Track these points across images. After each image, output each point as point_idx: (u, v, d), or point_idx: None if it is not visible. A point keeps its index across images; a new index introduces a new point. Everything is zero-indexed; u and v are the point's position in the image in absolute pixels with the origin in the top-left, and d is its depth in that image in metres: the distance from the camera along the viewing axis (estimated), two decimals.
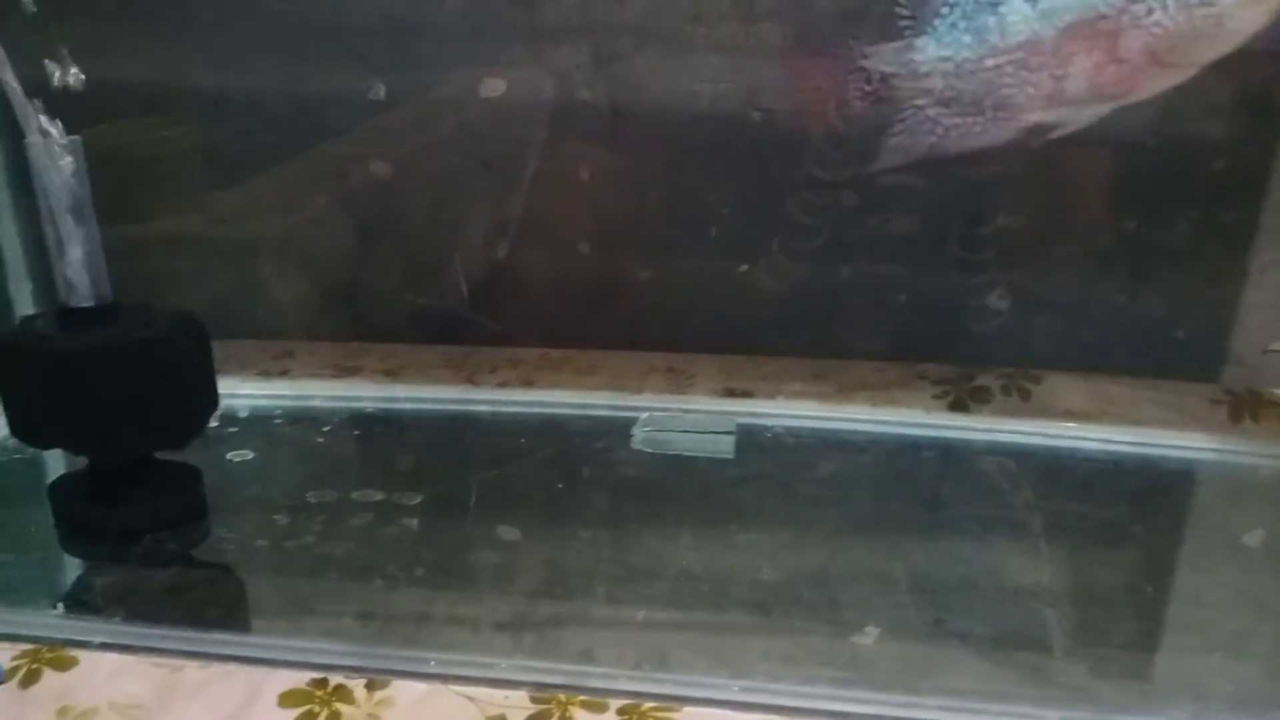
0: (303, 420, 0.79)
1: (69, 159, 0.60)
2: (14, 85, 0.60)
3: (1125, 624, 0.61)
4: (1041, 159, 0.80)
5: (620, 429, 0.78)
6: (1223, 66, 0.78)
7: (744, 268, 0.87)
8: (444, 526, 0.68)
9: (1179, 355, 0.86)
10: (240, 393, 0.81)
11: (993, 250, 0.84)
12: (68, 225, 0.60)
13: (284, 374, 0.84)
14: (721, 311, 0.89)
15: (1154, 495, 0.74)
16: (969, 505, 0.72)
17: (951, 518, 0.71)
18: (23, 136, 0.60)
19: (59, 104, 0.68)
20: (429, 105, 0.87)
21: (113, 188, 0.86)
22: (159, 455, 0.66)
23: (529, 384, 0.83)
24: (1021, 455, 0.76)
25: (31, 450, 0.69)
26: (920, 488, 0.74)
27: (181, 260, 0.90)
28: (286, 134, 0.87)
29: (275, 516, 0.67)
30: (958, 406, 0.80)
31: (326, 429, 0.78)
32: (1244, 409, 0.80)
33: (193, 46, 0.85)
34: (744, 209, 0.86)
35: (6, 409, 0.64)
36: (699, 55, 0.82)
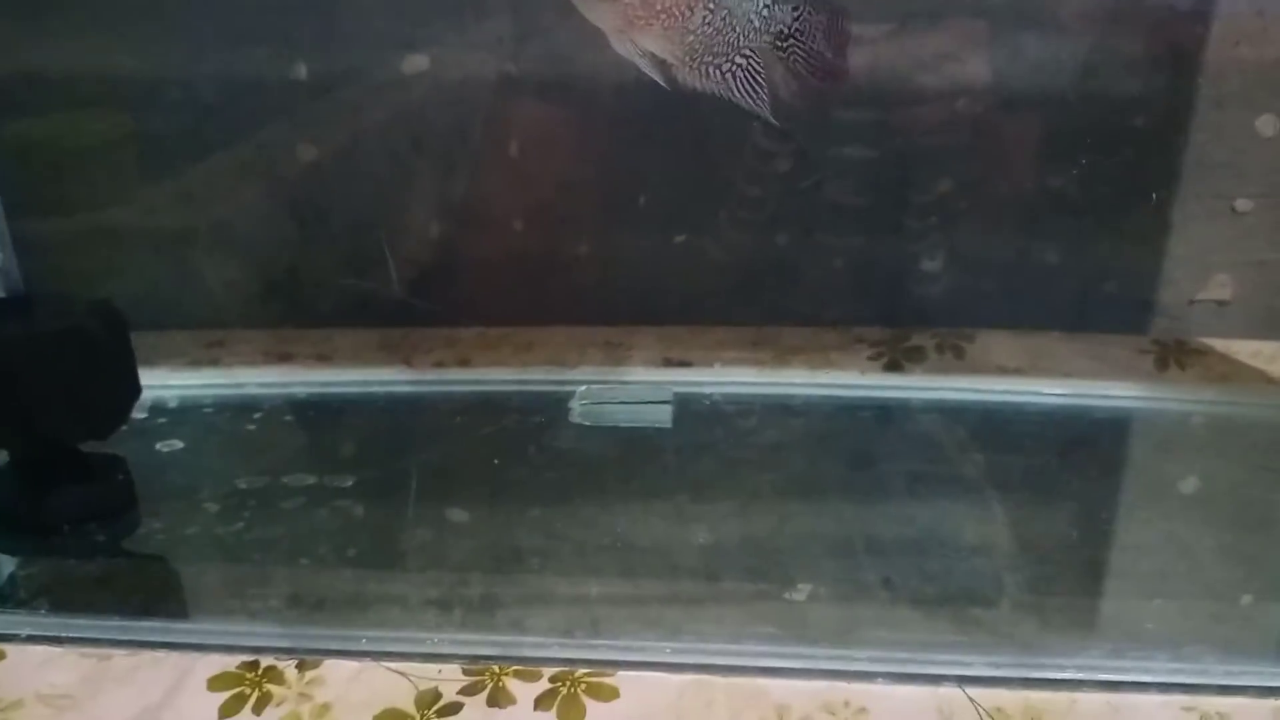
0: (234, 408, 0.78)
1: None
2: None
3: (1062, 571, 0.62)
4: (968, 121, 0.81)
5: (558, 404, 0.78)
6: (1141, 24, 0.80)
7: (680, 238, 0.87)
8: (377, 507, 0.67)
9: (1109, 309, 0.87)
10: (170, 383, 0.80)
11: (928, 212, 0.85)
12: None
13: (215, 363, 0.83)
14: (659, 283, 0.89)
15: (1087, 445, 0.75)
16: (906, 463, 0.72)
17: (889, 475, 0.72)
18: None
19: None
20: (355, 85, 0.85)
21: (43, 180, 0.85)
22: (85, 447, 0.65)
23: (465, 363, 0.83)
24: (957, 412, 0.77)
25: None
26: (858, 448, 0.75)
27: (113, 251, 0.88)
28: (216, 120, 0.85)
29: (205, 504, 0.66)
30: (893, 367, 0.81)
31: (258, 416, 0.77)
32: (1170, 358, 0.81)
33: (118, 34, 0.83)
34: (676, 179, 0.86)
35: None
36: None
